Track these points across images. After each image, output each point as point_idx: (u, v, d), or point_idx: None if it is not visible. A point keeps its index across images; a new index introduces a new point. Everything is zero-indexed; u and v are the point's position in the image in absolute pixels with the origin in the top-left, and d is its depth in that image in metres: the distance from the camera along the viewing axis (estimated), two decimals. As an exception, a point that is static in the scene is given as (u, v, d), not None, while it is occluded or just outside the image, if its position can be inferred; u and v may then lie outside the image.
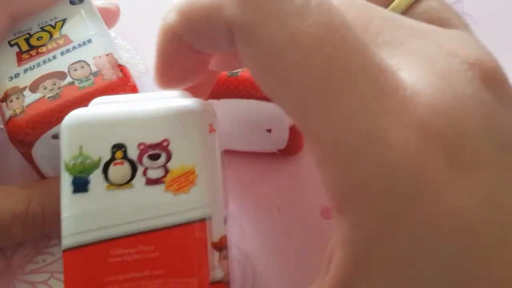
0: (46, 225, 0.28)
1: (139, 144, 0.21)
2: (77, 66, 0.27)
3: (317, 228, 0.29)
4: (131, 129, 0.21)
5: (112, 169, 0.21)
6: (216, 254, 0.21)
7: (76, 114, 0.21)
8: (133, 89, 0.27)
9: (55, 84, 0.27)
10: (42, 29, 0.29)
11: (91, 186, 0.21)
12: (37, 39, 0.29)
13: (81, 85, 0.26)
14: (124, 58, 0.29)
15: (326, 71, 0.16)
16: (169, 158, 0.21)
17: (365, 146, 0.15)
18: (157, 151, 0.21)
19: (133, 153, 0.21)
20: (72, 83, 0.26)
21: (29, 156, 0.27)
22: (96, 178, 0.21)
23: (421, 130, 0.15)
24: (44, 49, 0.28)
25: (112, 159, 0.21)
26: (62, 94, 0.26)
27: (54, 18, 0.29)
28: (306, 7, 0.16)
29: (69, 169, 0.21)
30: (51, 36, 0.29)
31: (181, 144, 0.21)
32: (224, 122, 0.24)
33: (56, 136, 0.28)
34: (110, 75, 0.27)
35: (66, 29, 0.29)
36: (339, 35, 0.16)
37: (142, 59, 0.37)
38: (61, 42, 0.28)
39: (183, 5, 0.19)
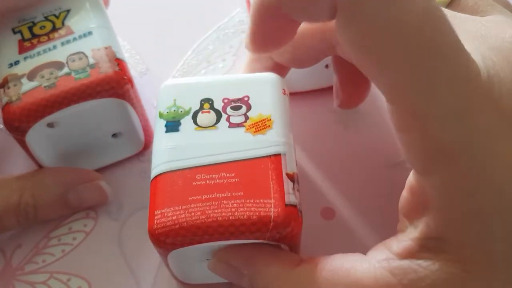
0: (38, 214, 0.29)
1: (224, 99, 0.25)
2: (76, 57, 0.27)
3: (317, 228, 0.28)
4: (217, 88, 0.25)
5: (200, 116, 0.25)
6: (290, 184, 0.23)
7: (172, 80, 0.27)
8: (129, 83, 0.27)
9: (52, 73, 0.27)
10: (46, 19, 0.29)
11: (181, 127, 0.24)
12: (40, 28, 0.29)
13: (77, 76, 0.26)
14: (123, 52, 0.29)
15: (422, 53, 0.17)
16: (249, 109, 0.25)
17: (449, 116, 0.18)
18: (239, 103, 0.25)
19: (218, 105, 0.25)
20: (69, 73, 0.27)
21: (23, 144, 0.28)
22: (186, 122, 0.25)
23: (489, 102, 0.18)
24: (45, 38, 0.28)
25: (201, 108, 0.25)
26: (58, 84, 0.26)
27: (59, 8, 0.30)
28: None
29: (163, 116, 0.25)
30: (53, 26, 0.29)
31: (259, 99, 0.25)
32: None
33: (51, 125, 0.28)
34: (107, 68, 0.27)
35: (69, 20, 0.29)
36: (435, 21, 0.18)
37: (142, 59, 0.37)
38: (62, 32, 0.28)
39: None
